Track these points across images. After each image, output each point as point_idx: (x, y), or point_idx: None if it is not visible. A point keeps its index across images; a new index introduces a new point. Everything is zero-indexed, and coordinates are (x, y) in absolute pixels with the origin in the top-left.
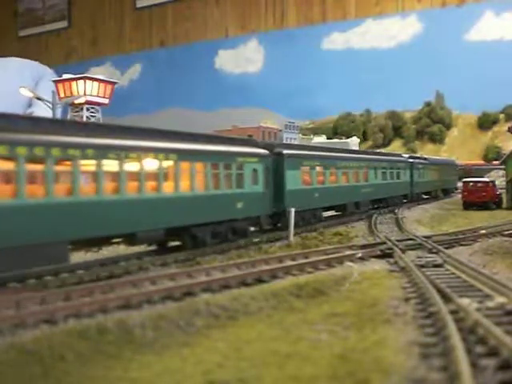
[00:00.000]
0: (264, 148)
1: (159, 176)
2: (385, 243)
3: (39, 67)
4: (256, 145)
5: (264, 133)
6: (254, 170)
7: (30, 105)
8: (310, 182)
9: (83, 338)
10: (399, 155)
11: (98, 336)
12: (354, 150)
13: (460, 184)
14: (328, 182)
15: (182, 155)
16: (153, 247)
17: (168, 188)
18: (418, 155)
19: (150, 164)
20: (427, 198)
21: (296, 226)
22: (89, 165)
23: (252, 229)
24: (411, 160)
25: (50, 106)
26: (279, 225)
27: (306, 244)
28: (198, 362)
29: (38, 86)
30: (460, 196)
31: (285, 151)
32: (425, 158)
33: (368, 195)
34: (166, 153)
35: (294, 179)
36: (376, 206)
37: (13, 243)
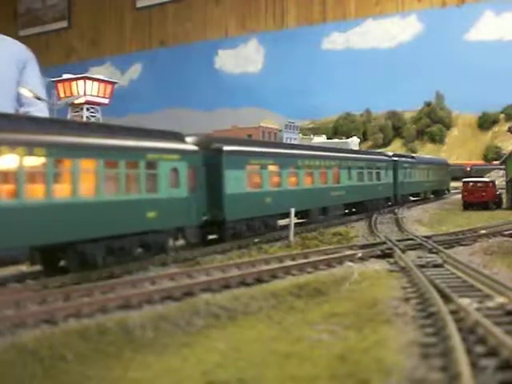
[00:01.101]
0: (199, 143)
1: (18, 178)
2: (385, 243)
3: (27, 51)
4: (180, 139)
5: (264, 133)
6: (174, 170)
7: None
8: (259, 185)
9: (83, 338)
10: (381, 153)
11: (98, 336)
12: (323, 147)
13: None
14: (285, 184)
15: (57, 150)
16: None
17: (36, 193)
18: (403, 153)
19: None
20: (415, 201)
21: (237, 237)
22: None
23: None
24: (395, 158)
25: (50, 103)
26: (216, 237)
27: (306, 244)
28: (198, 362)
29: (25, 70)
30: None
31: (225, 147)
32: (412, 157)
33: (339, 199)
34: (29, 146)
35: (237, 181)
36: (351, 211)
37: None
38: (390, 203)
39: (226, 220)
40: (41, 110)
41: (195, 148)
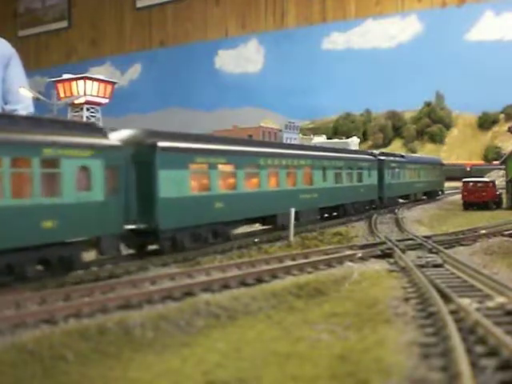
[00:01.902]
0: (129, 138)
1: None
2: (385, 243)
3: (10, 47)
4: (96, 132)
5: (264, 133)
6: (84, 169)
7: None
8: (207, 187)
9: (83, 337)
10: (364, 152)
11: (98, 336)
12: (292, 145)
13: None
14: (242, 186)
15: None
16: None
17: None
18: (391, 152)
19: None
20: (405, 203)
21: (179, 248)
22: None
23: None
24: (381, 158)
25: (50, 103)
26: (150, 249)
27: (306, 244)
28: (198, 361)
29: (10, 66)
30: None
31: (160, 142)
32: (402, 156)
33: (312, 203)
34: None
35: (177, 183)
36: (328, 216)
37: None
38: (374, 206)
39: (159, 229)
40: (27, 108)
41: (115, 143)
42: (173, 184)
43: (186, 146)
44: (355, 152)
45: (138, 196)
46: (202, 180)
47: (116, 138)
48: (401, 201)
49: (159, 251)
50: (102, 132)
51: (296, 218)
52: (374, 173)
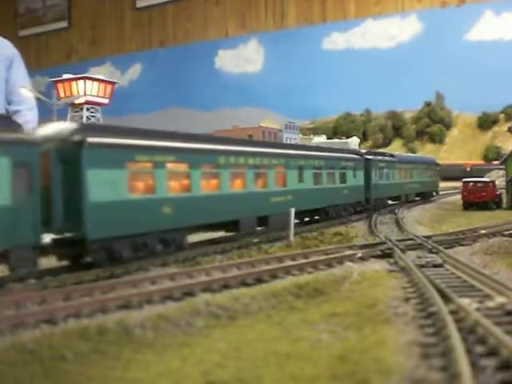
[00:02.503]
0: (57, 132)
1: None
2: (385, 243)
3: (12, 47)
4: (8, 124)
5: (264, 133)
6: None
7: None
8: (152, 190)
9: (83, 337)
10: (349, 151)
11: (98, 336)
12: (262, 142)
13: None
14: (198, 188)
15: None
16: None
17: None
18: (380, 151)
19: None
20: (393, 205)
21: (116, 260)
22: None
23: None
24: (368, 157)
25: (50, 103)
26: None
27: (306, 244)
28: (198, 361)
29: (12, 67)
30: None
31: (89, 138)
32: (391, 155)
33: (286, 206)
34: None
35: (111, 184)
36: (312, 219)
37: None
38: (360, 209)
39: (87, 238)
40: (31, 109)
41: (27, 137)
42: (106, 186)
43: (123, 142)
44: (338, 151)
45: (63, 200)
46: (146, 181)
47: (42, 132)
48: (390, 203)
49: (92, 264)
50: (14, 125)
51: (264, 223)
52: (360, 173)
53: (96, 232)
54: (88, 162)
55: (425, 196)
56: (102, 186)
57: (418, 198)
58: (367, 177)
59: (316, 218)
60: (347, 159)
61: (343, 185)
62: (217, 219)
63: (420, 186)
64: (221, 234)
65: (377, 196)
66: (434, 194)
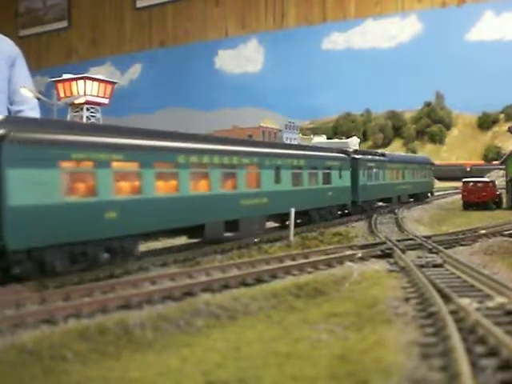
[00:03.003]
0: None
1: None
2: (385, 243)
3: (15, 47)
4: None
5: (264, 133)
6: None
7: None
8: (93, 192)
9: (83, 337)
10: (335, 150)
11: (98, 336)
12: (231, 140)
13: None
14: (151, 190)
15: None
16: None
17: None
18: (369, 150)
19: None
20: (385, 206)
21: (50, 274)
22: None
23: None
24: (356, 156)
25: (50, 103)
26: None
27: (306, 244)
28: (198, 361)
29: (15, 67)
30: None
31: (12, 133)
32: (382, 154)
33: (260, 210)
34: None
35: (38, 186)
36: (284, 224)
37: None
38: (346, 211)
39: (9, 248)
40: (33, 108)
41: None
42: (33, 188)
43: (55, 138)
44: (322, 149)
45: None
46: (85, 182)
47: None
48: (380, 205)
49: (19, 277)
50: None
51: (234, 228)
52: (347, 173)
53: (20, 241)
54: (9, 159)
55: (418, 197)
56: (28, 187)
57: (411, 200)
58: (354, 177)
59: (297, 221)
60: (332, 158)
61: (327, 186)
62: (175, 224)
63: (413, 187)
64: (183, 240)
65: (365, 198)
66: (429, 195)
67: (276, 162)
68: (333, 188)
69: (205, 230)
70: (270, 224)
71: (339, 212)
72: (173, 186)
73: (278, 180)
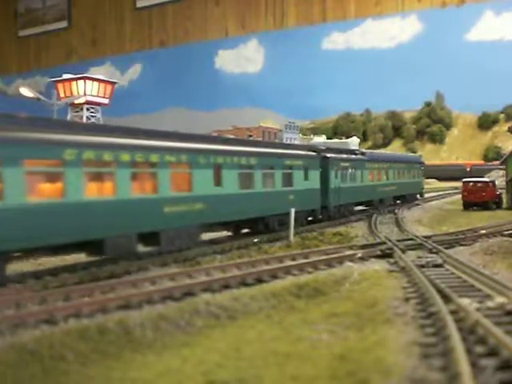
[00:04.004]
0: None
1: None
2: (385, 243)
3: None
4: None
5: (264, 133)
6: None
7: None
8: None
9: (83, 338)
10: (299, 147)
11: (98, 336)
12: (146, 131)
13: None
14: (19, 195)
15: None
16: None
17: None
18: (345, 148)
19: None
20: (365, 210)
21: None
22: None
23: None
24: (328, 155)
25: (50, 103)
26: None
27: (306, 244)
28: (198, 362)
29: None
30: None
31: None
32: (362, 153)
33: (192, 217)
34: None
35: None
36: (249, 232)
37: None
38: (315, 218)
39: None
40: None
41: None
42: None
43: None
44: (282, 146)
45: None
46: None
47: None
48: (359, 209)
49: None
50: None
51: (154, 242)
52: (315, 174)
53: None
54: None
55: (406, 200)
56: None
57: (398, 202)
58: (325, 179)
59: (249, 230)
60: (294, 157)
61: (288, 189)
62: (59, 239)
63: (399, 188)
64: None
65: (338, 202)
66: (418, 196)
67: (215, 161)
68: (296, 191)
69: (105, 246)
70: (218, 234)
71: (309, 218)
72: (55, 189)
73: (218, 182)
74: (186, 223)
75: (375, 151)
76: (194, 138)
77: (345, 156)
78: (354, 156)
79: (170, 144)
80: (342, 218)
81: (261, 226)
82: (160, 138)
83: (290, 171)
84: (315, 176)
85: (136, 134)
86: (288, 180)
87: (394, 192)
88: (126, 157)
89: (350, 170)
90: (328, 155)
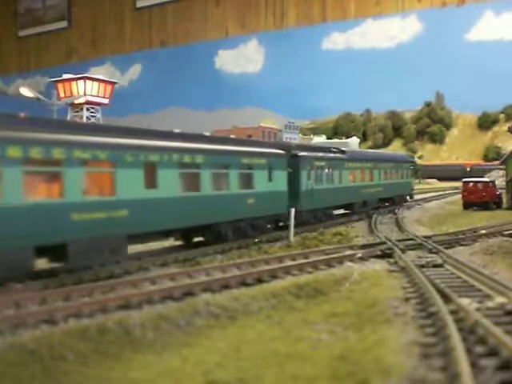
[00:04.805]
0: None
1: None
2: (385, 243)
3: None
4: None
5: (264, 133)
6: None
7: None
8: None
9: (83, 338)
10: (262, 144)
11: (98, 336)
12: (47, 120)
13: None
14: None
15: None
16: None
17: None
18: (320, 145)
19: None
20: (346, 214)
21: None
22: None
23: None
24: (299, 153)
25: (50, 103)
26: None
27: (306, 244)
28: (198, 362)
29: None
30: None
31: None
32: (341, 151)
33: (113, 227)
34: None
35: None
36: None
37: None
38: (282, 224)
39: None
40: None
41: None
42: None
43: None
44: (240, 142)
45: None
46: None
47: None
48: (338, 213)
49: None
50: None
51: (61, 256)
52: (281, 175)
53: None
54: None
55: (394, 201)
56: None
57: (386, 204)
58: (295, 180)
59: (199, 240)
60: (256, 155)
61: (247, 191)
62: None
63: (385, 190)
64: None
65: (311, 206)
66: (408, 198)
67: (147, 159)
68: (257, 194)
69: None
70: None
71: (271, 225)
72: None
73: (151, 183)
74: (105, 233)
75: (357, 150)
76: (118, 131)
77: (320, 154)
78: (331, 155)
79: (83, 138)
80: (319, 223)
81: (210, 234)
82: (70, 131)
83: (249, 171)
84: (282, 177)
85: (34, 125)
86: (247, 181)
87: (379, 194)
88: (15, 152)
89: (326, 170)
90: (299, 153)
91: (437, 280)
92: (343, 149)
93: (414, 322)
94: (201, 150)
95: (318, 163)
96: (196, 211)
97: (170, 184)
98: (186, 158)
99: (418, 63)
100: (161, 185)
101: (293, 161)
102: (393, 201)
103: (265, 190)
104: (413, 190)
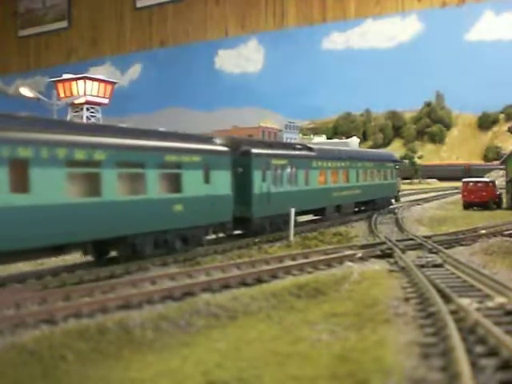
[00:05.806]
0: None
1: None
2: (385, 243)
3: None
4: None
5: (264, 133)
6: None
7: None
8: None
9: (83, 338)
10: (191, 137)
11: (98, 336)
12: None
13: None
14: None
15: None
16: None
17: None
18: (280, 141)
19: None
20: (316, 220)
21: None
22: None
23: None
24: (252, 150)
25: (49, 103)
26: None
27: (306, 244)
28: (198, 362)
29: None
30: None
31: None
32: (308, 148)
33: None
34: None
35: None
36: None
37: None
38: (225, 234)
39: None
40: None
41: None
42: None
43: None
44: (162, 135)
45: None
46: None
47: None
48: (306, 219)
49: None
50: None
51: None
52: (224, 175)
53: None
54: None
55: (376, 205)
56: None
57: (365, 208)
58: (246, 182)
59: (110, 256)
60: (185, 151)
61: (173, 196)
62: None
63: (365, 192)
64: None
65: (266, 212)
66: (393, 201)
67: (15, 154)
68: (187, 199)
69: None
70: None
71: (210, 236)
72: None
73: (21, 187)
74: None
75: (333, 147)
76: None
77: (280, 152)
78: (295, 152)
79: None
80: (282, 232)
81: (123, 249)
82: None
83: (176, 171)
84: (223, 178)
85: None
86: (173, 184)
87: (357, 197)
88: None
89: (288, 170)
90: (251, 150)
91: (437, 280)
92: (310, 145)
93: (414, 321)
94: (102, 144)
95: (276, 162)
96: (95, 222)
97: (49, 188)
98: (80, 155)
99: (418, 63)
100: (36, 188)
101: (243, 159)
102: (375, 204)
103: (199, 195)
104: (399, 192)
